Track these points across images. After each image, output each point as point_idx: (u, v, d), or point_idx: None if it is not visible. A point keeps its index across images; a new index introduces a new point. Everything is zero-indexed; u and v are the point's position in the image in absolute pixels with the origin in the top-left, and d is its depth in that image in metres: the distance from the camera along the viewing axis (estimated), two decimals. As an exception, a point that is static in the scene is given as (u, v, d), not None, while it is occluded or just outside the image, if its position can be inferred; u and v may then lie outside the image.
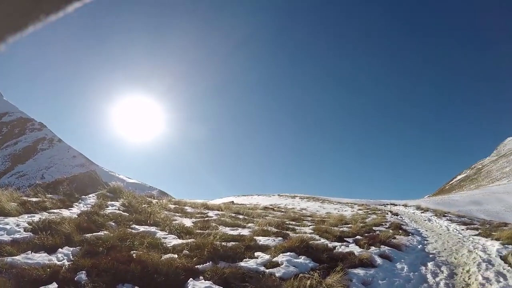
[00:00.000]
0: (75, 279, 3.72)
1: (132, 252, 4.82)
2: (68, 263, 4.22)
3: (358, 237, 8.69)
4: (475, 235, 10.45)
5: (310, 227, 10.33)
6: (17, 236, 4.94)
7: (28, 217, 6.27)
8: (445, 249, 8.46)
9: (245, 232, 7.82)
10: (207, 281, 4.19)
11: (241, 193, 47.80)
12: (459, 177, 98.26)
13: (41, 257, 4.24)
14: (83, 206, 8.63)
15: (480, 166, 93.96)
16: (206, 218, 9.47)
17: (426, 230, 12.38)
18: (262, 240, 6.97)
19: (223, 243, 5.97)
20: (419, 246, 8.77)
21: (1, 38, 0.59)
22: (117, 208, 8.72)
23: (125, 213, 8.14)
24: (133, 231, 6.38)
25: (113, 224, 6.84)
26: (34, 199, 7.95)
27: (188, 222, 8.20)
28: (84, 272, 3.86)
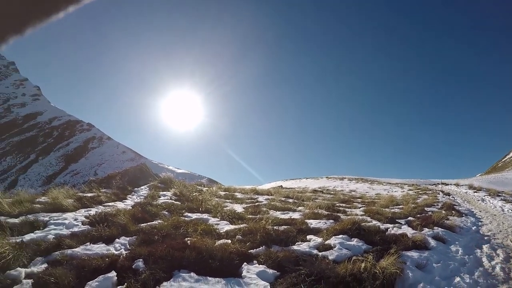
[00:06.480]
0: (133, 267, 3.79)
1: (186, 239, 4.87)
2: (126, 252, 4.33)
3: (410, 218, 8.37)
4: (531, 217, 9.46)
5: (361, 209, 10.10)
6: (75, 229, 5.16)
7: (84, 211, 6.57)
8: (500, 231, 7.89)
9: (296, 215, 7.75)
10: (261, 265, 4.17)
11: (289, 177, 47.66)
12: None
13: (99, 248, 4.37)
14: (136, 197, 8.96)
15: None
16: (256, 203, 9.53)
17: (480, 211, 11.66)
18: (313, 223, 6.87)
19: (275, 227, 5.94)
20: (473, 228, 8.28)
21: (1, 38, 0.59)
22: (169, 198, 9.00)
23: (177, 202, 8.38)
24: (186, 219, 6.52)
25: (166, 213, 7.05)
26: (89, 195, 8.35)
27: (239, 208, 8.28)
28: (141, 260, 3.93)
